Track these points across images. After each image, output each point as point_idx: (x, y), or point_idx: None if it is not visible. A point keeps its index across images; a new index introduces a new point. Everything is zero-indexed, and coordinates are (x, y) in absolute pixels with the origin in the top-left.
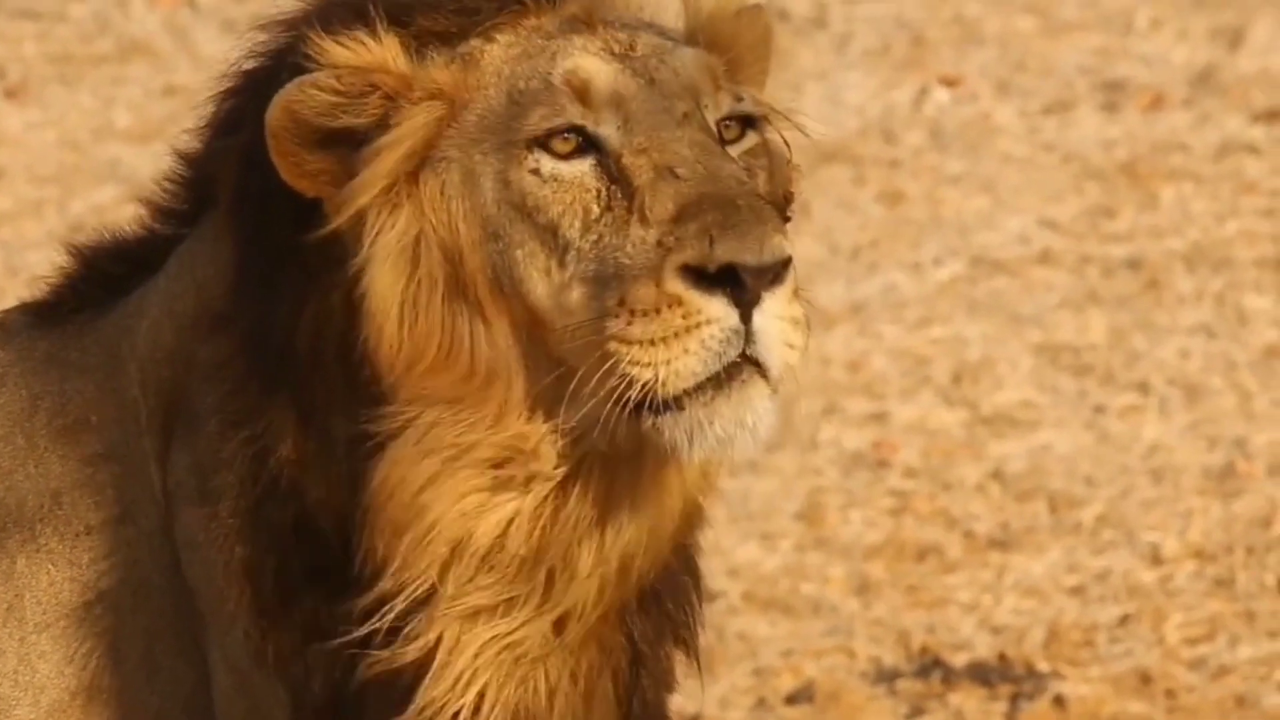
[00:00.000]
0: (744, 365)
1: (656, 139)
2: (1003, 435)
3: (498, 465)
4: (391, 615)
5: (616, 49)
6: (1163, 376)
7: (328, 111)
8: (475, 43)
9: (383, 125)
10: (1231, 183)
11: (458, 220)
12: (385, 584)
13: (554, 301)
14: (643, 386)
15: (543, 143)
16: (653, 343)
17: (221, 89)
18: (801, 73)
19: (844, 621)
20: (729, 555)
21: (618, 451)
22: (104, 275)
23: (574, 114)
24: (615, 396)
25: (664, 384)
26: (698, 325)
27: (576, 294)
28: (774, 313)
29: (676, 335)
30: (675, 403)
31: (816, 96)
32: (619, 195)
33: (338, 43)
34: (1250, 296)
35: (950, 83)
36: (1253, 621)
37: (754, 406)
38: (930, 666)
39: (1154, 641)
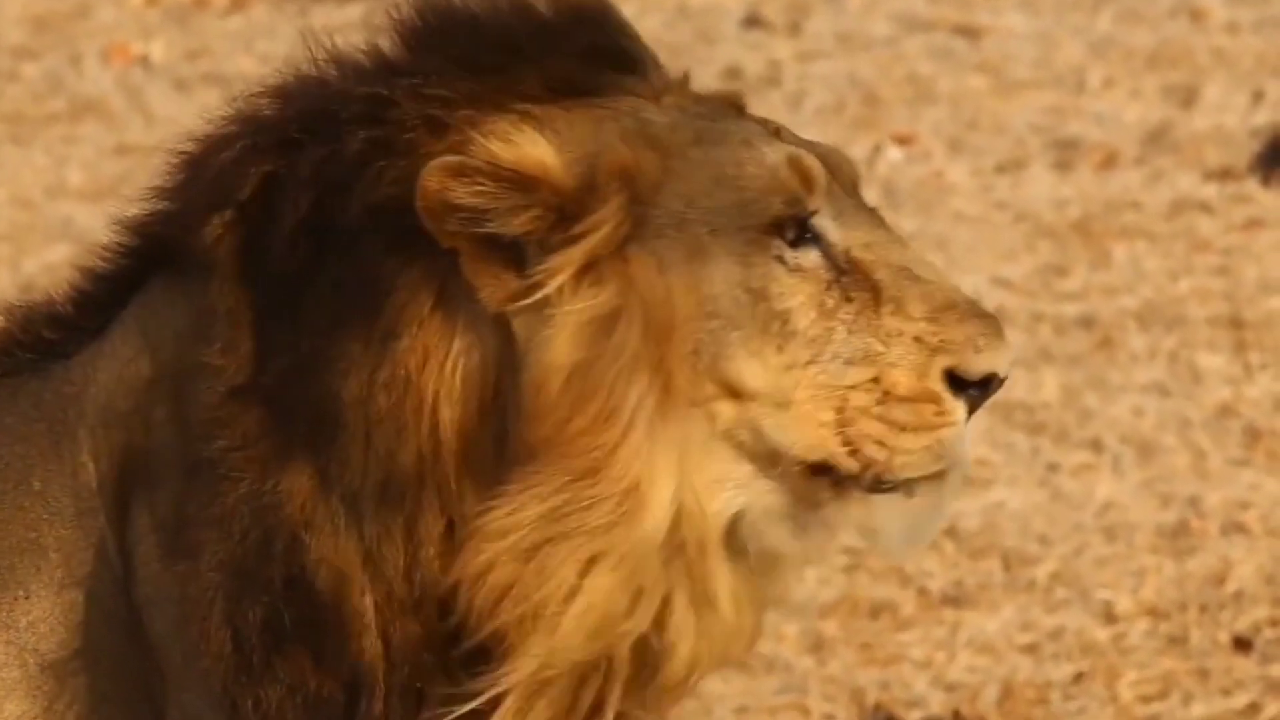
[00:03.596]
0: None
1: (871, 234)
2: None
3: (611, 544)
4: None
5: (777, 131)
6: (1116, 434)
7: (475, 213)
8: None
9: (539, 234)
10: (1184, 241)
11: (676, 295)
12: (497, 666)
13: (766, 380)
14: (868, 464)
15: (779, 230)
16: (902, 428)
17: (205, 148)
18: None
19: (798, 679)
20: None
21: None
22: (38, 339)
23: (809, 204)
24: (831, 467)
25: (894, 469)
26: (944, 425)
27: (806, 375)
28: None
29: (925, 428)
30: (893, 487)
31: None
32: (856, 287)
33: (499, 136)
34: (1203, 355)
35: (903, 141)
36: (1206, 679)
37: (946, 506)
38: None
39: (1107, 699)
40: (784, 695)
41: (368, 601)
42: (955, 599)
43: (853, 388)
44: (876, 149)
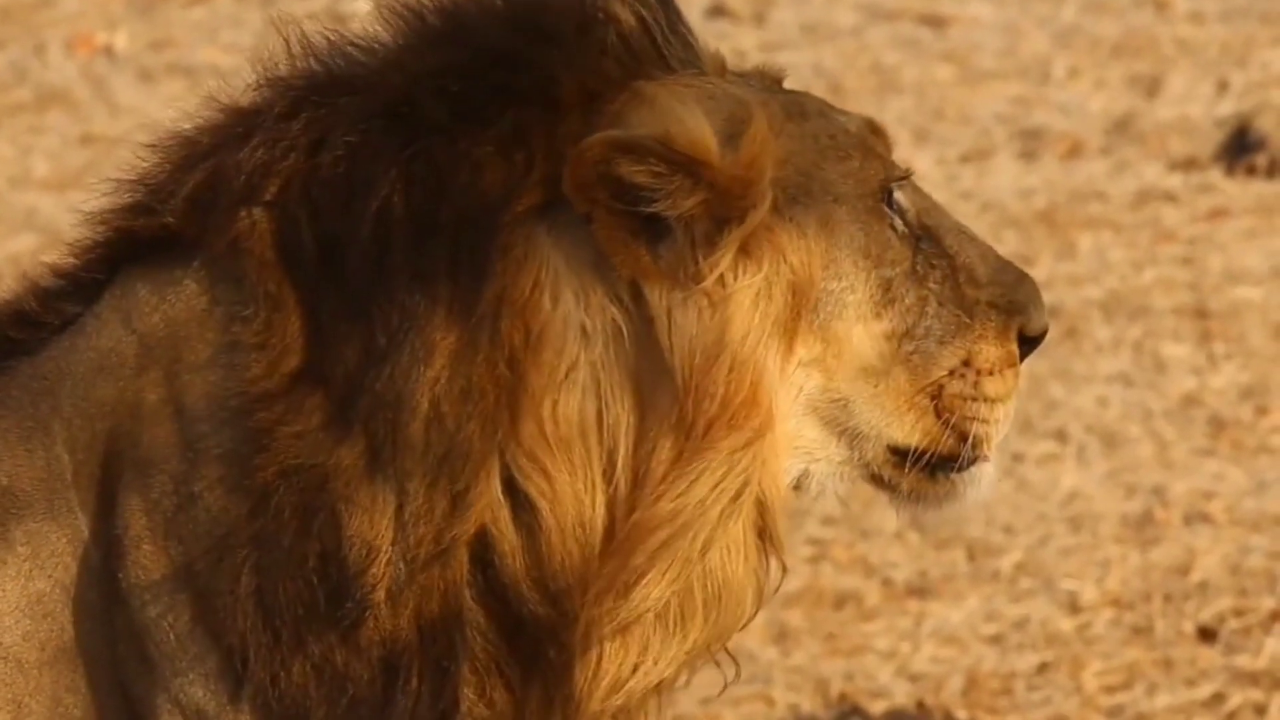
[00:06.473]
0: None
1: (923, 199)
2: None
3: (753, 517)
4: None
5: None
6: (1080, 425)
7: (635, 191)
8: None
9: (698, 215)
10: (1149, 231)
11: (815, 259)
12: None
13: (867, 346)
14: (971, 441)
15: (885, 197)
16: (998, 400)
17: (206, 142)
18: None
19: (762, 669)
20: None
21: None
22: (3, 339)
23: (898, 168)
24: (925, 452)
25: (989, 441)
26: (1016, 386)
27: (902, 348)
28: None
29: (1010, 394)
30: (979, 457)
31: None
32: (935, 254)
33: (670, 114)
34: (1168, 345)
35: None
36: (1170, 669)
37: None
38: (848, 714)
39: (1072, 689)
40: (748, 686)
41: (389, 576)
42: (920, 589)
43: (949, 375)
44: None
